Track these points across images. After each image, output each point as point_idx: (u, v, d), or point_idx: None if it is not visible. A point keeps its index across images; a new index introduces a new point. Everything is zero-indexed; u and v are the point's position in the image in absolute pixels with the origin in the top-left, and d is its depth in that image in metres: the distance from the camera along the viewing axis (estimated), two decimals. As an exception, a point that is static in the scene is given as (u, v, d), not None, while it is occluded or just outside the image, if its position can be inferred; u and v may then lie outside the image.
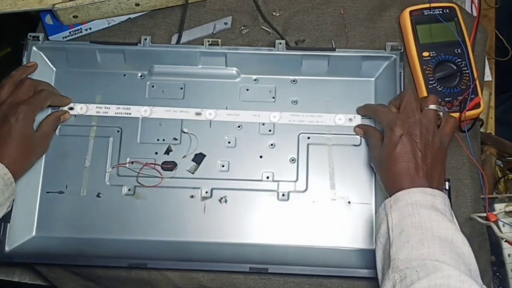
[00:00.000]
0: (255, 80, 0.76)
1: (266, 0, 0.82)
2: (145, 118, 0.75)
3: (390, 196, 0.61)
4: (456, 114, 0.71)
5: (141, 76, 0.77)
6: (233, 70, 0.76)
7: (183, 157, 0.73)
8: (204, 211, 0.72)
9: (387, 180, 0.64)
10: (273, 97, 0.76)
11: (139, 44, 0.75)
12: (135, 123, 0.75)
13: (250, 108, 0.75)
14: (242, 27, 0.80)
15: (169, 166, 0.73)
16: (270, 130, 0.74)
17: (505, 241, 0.70)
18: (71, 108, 0.75)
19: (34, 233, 0.72)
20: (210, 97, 0.75)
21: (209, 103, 0.75)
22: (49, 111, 0.75)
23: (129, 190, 0.73)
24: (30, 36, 0.75)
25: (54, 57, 0.76)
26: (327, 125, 0.74)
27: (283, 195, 0.72)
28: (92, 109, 0.75)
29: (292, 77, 0.76)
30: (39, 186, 0.73)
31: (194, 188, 0.72)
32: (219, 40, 0.74)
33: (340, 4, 0.81)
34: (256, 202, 0.72)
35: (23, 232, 0.71)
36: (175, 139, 0.74)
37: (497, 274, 0.71)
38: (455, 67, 0.73)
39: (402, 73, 0.72)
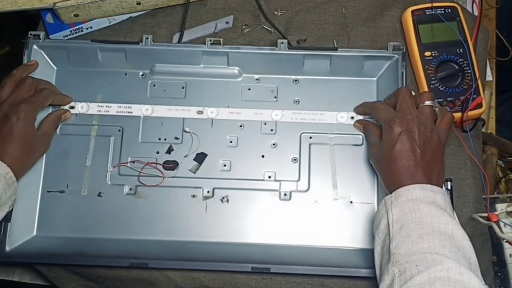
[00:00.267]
0: (257, 79, 0.76)
1: (268, -1, 0.82)
2: (146, 117, 0.75)
3: (390, 193, 0.62)
4: (458, 114, 0.71)
5: (142, 75, 0.77)
6: (235, 70, 0.76)
7: (185, 156, 0.73)
8: (205, 210, 0.71)
9: (387, 177, 0.64)
10: (275, 97, 0.76)
11: (140, 43, 0.74)
12: (136, 122, 0.74)
13: (252, 108, 0.75)
14: (244, 26, 0.80)
15: (171, 165, 0.73)
16: (272, 130, 0.74)
17: (506, 241, 0.71)
18: (72, 107, 0.75)
19: (34, 233, 0.71)
20: (211, 97, 0.75)
21: (210, 103, 0.75)
22: (50, 110, 0.74)
23: (130, 189, 0.72)
24: (30, 34, 0.75)
25: (55, 55, 0.76)
26: (329, 123, 0.74)
27: (285, 194, 0.72)
28: (93, 108, 0.75)
29: (294, 77, 0.76)
30: (39, 185, 0.72)
31: (196, 187, 0.72)
32: (221, 39, 0.74)
33: (341, 4, 0.81)
34: (258, 202, 0.71)
35: (24, 232, 0.70)
36: (177, 138, 0.74)
37: (499, 274, 0.71)
38: (457, 67, 0.73)
39: (404, 73, 0.72)
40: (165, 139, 0.74)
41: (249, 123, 0.74)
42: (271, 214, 0.71)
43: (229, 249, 0.69)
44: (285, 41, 0.74)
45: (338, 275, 0.67)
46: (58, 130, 0.74)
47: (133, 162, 0.73)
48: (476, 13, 0.82)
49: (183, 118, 0.74)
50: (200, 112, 0.75)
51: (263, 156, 0.73)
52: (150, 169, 0.73)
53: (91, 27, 0.79)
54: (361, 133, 0.73)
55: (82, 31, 0.79)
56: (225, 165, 0.73)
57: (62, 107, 0.74)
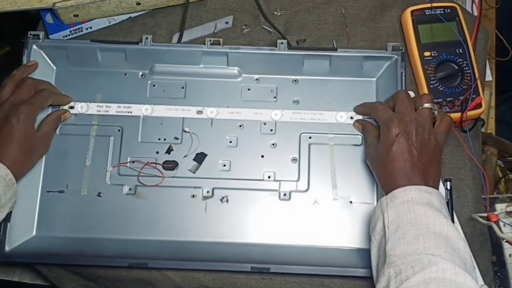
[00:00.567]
0: (257, 79, 0.76)
1: (267, -1, 0.82)
2: (146, 117, 0.75)
3: (386, 193, 0.62)
4: (458, 114, 0.71)
5: (142, 75, 0.77)
6: (235, 70, 0.76)
7: (184, 156, 0.73)
8: (205, 210, 0.71)
9: (384, 178, 0.65)
10: (275, 97, 0.76)
11: (140, 43, 0.74)
12: (136, 122, 0.74)
13: (252, 108, 0.75)
14: (243, 27, 0.80)
15: (170, 165, 0.73)
16: (271, 130, 0.74)
17: (506, 241, 0.71)
18: (72, 107, 0.75)
19: (34, 233, 0.71)
20: (211, 97, 0.75)
21: (210, 103, 0.75)
22: (49, 110, 0.74)
23: (130, 189, 0.72)
24: (30, 34, 0.75)
25: (54, 55, 0.76)
26: (329, 123, 0.74)
27: (284, 194, 0.72)
28: (92, 108, 0.75)
29: (293, 77, 0.76)
30: (39, 185, 0.72)
31: (195, 187, 0.72)
32: (221, 40, 0.74)
33: (341, 4, 0.81)
34: (258, 202, 0.72)
35: (23, 232, 0.70)
36: (176, 138, 0.74)
37: (498, 274, 0.71)
38: (456, 67, 0.73)
39: (404, 73, 0.72)
40: (164, 139, 0.74)
41: (248, 123, 0.74)
42: (270, 214, 0.71)
43: (229, 249, 0.69)
44: (285, 41, 0.74)
45: (337, 275, 0.67)
46: (57, 130, 0.74)
47: (133, 162, 0.73)
48: (475, 13, 0.82)
49: (183, 118, 0.74)
50: (199, 112, 0.75)
51: (262, 156, 0.73)
52: (150, 169, 0.73)
53: (90, 27, 0.79)
54: (360, 133, 0.73)
55: (81, 31, 0.79)
56: (224, 165, 0.73)
57: (61, 107, 0.75)
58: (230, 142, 0.74)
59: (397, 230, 0.57)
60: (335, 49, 0.74)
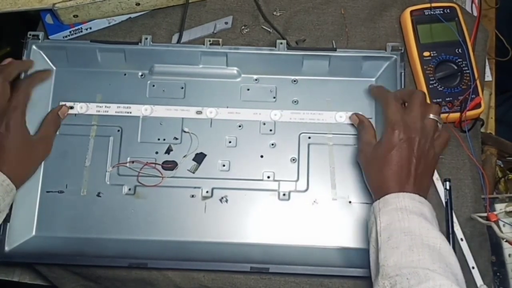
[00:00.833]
0: (256, 80, 0.76)
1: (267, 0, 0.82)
2: (145, 117, 0.75)
3: (375, 195, 0.62)
4: (457, 114, 0.71)
5: (141, 75, 0.77)
6: (234, 70, 0.76)
7: (184, 156, 0.73)
8: (204, 210, 0.71)
9: (376, 180, 0.64)
10: (274, 97, 0.76)
11: (139, 44, 0.74)
12: (135, 122, 0.74)
13: (251, 108, 0.75)
14: (243, 27, 0.80)
15: (170, 165, 0.73)
16: (271, 130, 0.74)
17: (506, 241, 0.70)
18: (72, 107, 0.75)
19: (34, 233, 0.71)
20: (210, 97, 0.75)
21: (209, 103, 0.75)
22: (49, 109, 0.74)
23: (129, 189, 0.72)
24: (30, 34, 0.75)
25: (54, 56, 0.76)
26: (328, 123, 0.74)
27: (284, 194, 0.72)
28: (92, 108, 0.75)
29: (293, 77, 0.76)
30: (39, 185, 0.73)
31: (195, 187, 0.72)
32: (220, 40, 0.74)
33: (340, 4, 0.81)
34: (257, 202, 0.72)
35: (23, 232, 0.70)
36: (176, 138, 0.74)
37: (498, 274, 0.71)
38: (455, 67, 0.73)
39: (403, 73, 0.72)
40: (164, 139, 0.74)
41: (248, 123, 0.74)
42: (270, 214, 0.71)
43: (228, 249, 0.69)
44: (284, 41, 0.74)
45: (337, 275, 0.67)
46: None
47: (132, 162, 0.73)
48: (475, 13, 0.82)
49: (182, 118, 0.75)
50: (199, 112, 0.75)
51: (262, 156, 0.73)
52: (149, 169, 0.73)
53: (90, 28, 0.79)
54: (355, 126, 0.73)
55: (81, 31, 0.79)
56: (224, 165, 0.73)
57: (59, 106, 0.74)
58: (230, 142, 0.74)
59: (390, 238, 0.57)
60: (334, 49, 0.74)
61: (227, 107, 0.75)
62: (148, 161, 0.73)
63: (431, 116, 0.65)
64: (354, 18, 0.80)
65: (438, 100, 0.72)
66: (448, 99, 0.72)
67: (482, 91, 0.74)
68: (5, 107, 0.67)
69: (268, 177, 0.72)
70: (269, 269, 0.66)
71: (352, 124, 0.74)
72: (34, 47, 0.74)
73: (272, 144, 0.74)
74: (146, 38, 0.75)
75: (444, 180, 0.72)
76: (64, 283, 0.73)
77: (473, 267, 0.68)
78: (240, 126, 0.74)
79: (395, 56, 0.73)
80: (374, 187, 0.64)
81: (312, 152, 0.73)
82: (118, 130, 0.74)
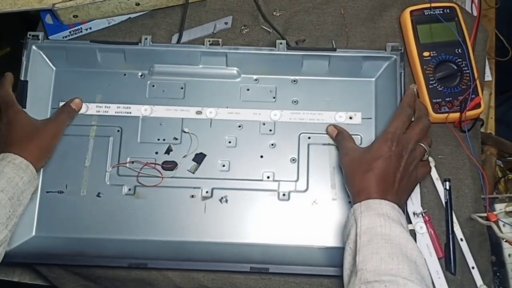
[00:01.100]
0: (256, 80, 0.76)
1: (267, 0, 0.82)
2: (145, 117, 0.75)
3: (355, 198, 0.62)
4: (457, 114, 0.71)
5: (141, 75, 0.77)
6: (234, 70, 0.76)
7: (184, 156, 0.73)
8: (204, 211, 0.72)
9: (359, 183, 0.64)
10: (274, 97, 0.76)
11: (139, 44, 0.74)
12: (135, 123, 0.74)
13: (251, 108, 0.75)
14: (243, 27, 0.80)
15: (170, 165, 0.73)
16: (270, 130, 0.74)
17: (506, 241, 0.70)
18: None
19: (34, 233, 0.71)
20: (210, 97, 0.75)
21: (209, 103, 0.75)
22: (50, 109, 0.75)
23: (129, 190, 0.72)
24: (29, 35, 0.75)
25: (54, 56, 0.76)
26: (328, 123, 0.74)
27: (283, 195, 0.72)
28: (92, 109, 0.75)
29: (292, 77, 0.76)
30: (39, 185, 0.73)
31: (195, 188, 0.72)
32: (220, 40, 0.74)
33: (340, 4, 0.81)
34: (257, 202, 0.72)
35: (23, 232, 0.70)
36: (176, 138, 0.74)
37: (498, 274, 0.71)
38: (455, 67, 0.73)
39: (403, 74, 0.72)
40: (164, 140, 0.74)
41: (248, 124, 0.74)
42: (269, 214, 0.71)
43: (228, 249, 0.70)
44: (284, 41, 0.74)
45: (336, 275, 0.67)
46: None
47: (132, 162, 0.73)
48: (475, 13, 0.82)
49: (182, 119, 0.75)
50: (199, 113, 0.75)
51: (261, 157, 0.73)
52: (149, 169, 0.73)
53: (90, 28, 0.80)
54: (359, 133, 0.73)
55: (81, 32, 0.79)
56: (224, 166, 0.73)
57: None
58: (229, 142, 0.74)
59: (370, 243, 0.57)
60: (334, 50, 0.74)
61: (227, 107, 0.75)
62: (148, 161, 0.73)
63: (423, 145, 0.66)
64: (354, 18, 0.80)
65: (438, 100, 0.72)
66: (448, 99, 0.72)
67: (482, 91, 0.74)
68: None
69: (268, 177, 0.72)
70: (269, 269, 0.66)
71: (352, 124, 0.74)
72: (34, 47, 0.74)
73: (272, 144, 0.74)
74: (146, 38, 0.75)
75: (444, 180, 0.72)
76: (64, 283, 0.73)
77: (473, 267, 0.68)
78: (240, 126, 0.74)
79: (395, 56, 0.73)
80: (355, 190, 0.64)
81: (312, 152, 0.73)
82: (118, 130, 0.74)
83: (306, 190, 0.72)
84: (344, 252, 0.60)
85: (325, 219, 0.71)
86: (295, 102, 0.75)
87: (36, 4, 0.76)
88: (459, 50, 0.74)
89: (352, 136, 0.73)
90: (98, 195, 0.72)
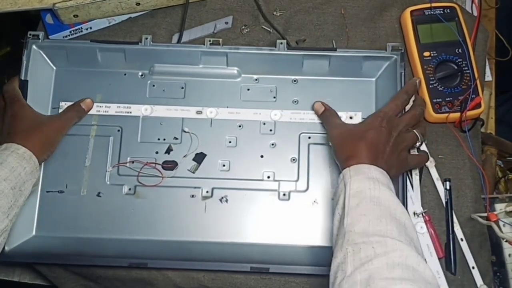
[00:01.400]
0: (256, 80, 0.76)
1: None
2: (145, 117, 0.75)
3: (344, 165, 0.62)
4: (457, 114, 0.71)
5: (141, 75, 0.77)
6: (234, 70, 0.76)
7: (184, 156, 0.73)
8: (204, 210, 0.71)
9: (348, 150, 0.65)
10: (274, 97, 0.76)
11: (140, 43, 0.74)
12: (135, 122, 0.74)
13: (251, 108, 0.75)
14: (243, 27, 0.80)
15: (170, 165, 0.73)
16: (271, 130, 0.74)
17: (506, 241, 0.70)
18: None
19: (34, 233, 0.71)
20: (211, 97, 0.75)
21: (210, 103, 0.75)
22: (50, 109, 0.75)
23: (129, 189, 0.72)
24: (30, 34, 0.74)
25: (54, 55, 0.76)
26: (328, 123, 0.74)
27: (284, 194, 0.72)
28: (92, 108, 0.75)
29: (293, 77, 0.76)
30: (39, 185, 0.72)
31: (195, 187, 0.72)
32: (220, 40, 0.74)
33: (341, 4, 0.81)
34: (257, 202, 0.72)
35: (23, 232, 0.70)
36: (176, 138, 0.74)
37: (498, 274, 0.71)
38: (456, 67, 0.73)
39: (403, 73, 0.72)
40: (164, 139, 0.74)
41: (248, 123, 0.74)
42: (270, 214, 0.71)
43: (228, 249, 0.70)
44: (284, 41, 0.74)
45: (337, 275, 0.67)
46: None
47: (132, 162, 0.73)
48: (475, 13, 0.82)
49: (182, 118, 0.75)
50: (199, 112, 0.75)
51: (262, 156, 0.73)
52: (149, 169, 0.73)
53: (90, 28, 0.79)
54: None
55: (81, 31, 0.79)
56: (224, 165, 0.73)
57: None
58: (230, 142, 0.74)
59: (358, 205, 0.57)
60: (334, 49, 0.74)
61: (227, 107, 0.75)
62: (148, 161, 0.73)
63: (416, 132, 0.67)
64: (354, 18, 0.80)
65: (438, 100, 0.72)
66: (448, 99, 0.72)
67: (482, 91, 0.74)
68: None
69: (268, 177, 0.72)
70: (269, 269, 0.66)
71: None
72: (34, 47, 0.74)
73: (272, 144, 0.74)
74: (146, 38, 0.74)
75: (444, 180, 0.72)
76: (64, 283, 0.73)
77: (473, 267, 0.68)
78: (240, 126, 0.74)
79: (395, 56, 0.73)
80: (345, 156, 0.64)
81: (312, 152, 0.73)
82: (118, 130, 0.74)
83: (307, 190, 0.72)
84: (333, 218, 0.60)
85: (326, 219, 0.71)
86: (295, 102, 0.75)
87: (37, 4, 0.76)
88: (460, 50, 0.74)
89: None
90: (98, 195, 0.72)
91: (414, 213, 0.70)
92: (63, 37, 0.79)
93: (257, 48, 0.75)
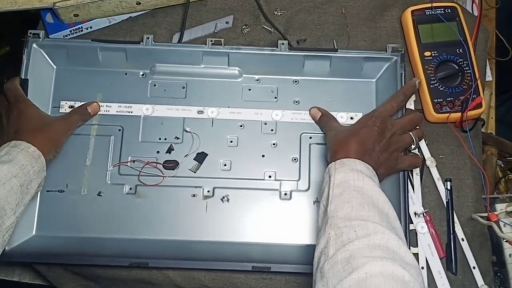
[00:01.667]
0: (257, 80, 0.76)
1: (268, -1, 0.82)
2: (146, 116, 0.75)
3: (332, 159, 0.63)
4: (458, 114, 0.71)
5: (142, 74, 0.77)
6: (235, 70, 0.76)
7: (185, 156, 0.73)
8: (206, 210, 0.71)
9: (338, 144, 0.66)
10: (275, 97, 0.76)
11: (141, 43, 0.74)
12: (136, 122, 0.74)
13: (252, 108, 0.75)
14: (244, 26, 0.80)
15: (171, 165, 0.73)
16: (272, 130, 0.74)
17: (506, 241, 0.71)
18: (72, 107, 0.75)
19: (34, 232, 0.71)
20: (212, 97, 0.75)
21: (211, 103, 0.75)
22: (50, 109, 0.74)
23: (130, 189, 0.72)
24: (30, 33, 0.74)
25: (54, 54, 0.76)
26: (329, 123, 0.74)
27: (285, 194, 0.72)
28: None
29: (294, 77, 0.76)
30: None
31: (196, 187, 0.72)
32: (222, 40, 0.74)
33: (341, 4, 0.81)
34: (258, 201, 0.72)
35: (23, 231, 0.70)
36: (177, 138, 0.74)
37: (498, 274, 0.71)
38: (456, 67, 0.73)
39: (403, 75, 0.72)
40: (165, 139, 0.74)
41: (249, 123, 0.74)
42: (271, 214, 0.71)
43: (230, 249, 0.69)
44: (286, 42, 0.74)
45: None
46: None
47: (133, 161, 0.73)
48: (476, 13, 0.82)
49: (184, 118, 0.74)
50: (200, 112, 0.75)
51: (263, 156, 0.73)
52: (150, 168, 0.73)
53: (91, 27, 0.79)
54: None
55: (82, 31, 0.79)
56: (225, 165, 0.73)
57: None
58: (231, 142, 0.74)
59: (342, 194, 0.57)
60: (335, 50, 0.74)
61: (229, 107, 0.75)
62: (149, 161, 0.73)
63: (412, 135, 0.68)
64: (355, 18, 0.80)
65: (439, 100, 0.72)
66: (449, 99, 0.72)
67: (483, 91, 0.74)
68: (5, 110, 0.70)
69: (270, 176, 0.72)
70: (270, 268, 0.66)
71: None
72: (34, 45, 0.74)
73: (274, 144, 0.74)
74: (148, 38, 0.74)
75: (445, 180, 0.72)
76: (64, 283, 0.73)
77: (474, 267, 0.69)
78: (241, 126, 0.74)
79: (395, 57, 0.74)
80: (333, 150, 0.65)
81: (314, 152, 0.73)
82: (119, 130, 0.74)
83: (308, 189, 0.72)
84: (319, 211, 0.60)
85: (327, 219, 0.71)
86: (296, 102, 0.75)
87: (37, 3, 0.76)
88: (460, 50, 0.74)
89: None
90: (99, 194, 0.72)
91: (415, 213, 0.70)
92: (63, 37, 0.79)
93: (259, 48, 0.75)
